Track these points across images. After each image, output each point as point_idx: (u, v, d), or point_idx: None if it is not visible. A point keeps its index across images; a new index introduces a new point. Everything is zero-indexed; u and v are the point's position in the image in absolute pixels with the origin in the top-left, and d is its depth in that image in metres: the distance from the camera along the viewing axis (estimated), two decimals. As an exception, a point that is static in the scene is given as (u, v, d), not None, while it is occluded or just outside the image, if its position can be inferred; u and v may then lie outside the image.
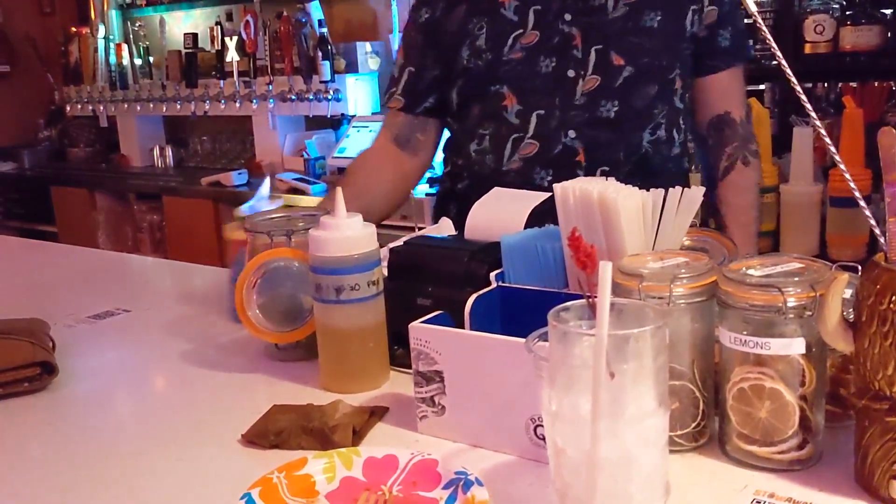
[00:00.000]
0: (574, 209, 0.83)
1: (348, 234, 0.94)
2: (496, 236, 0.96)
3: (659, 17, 1.35)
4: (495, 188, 1.14)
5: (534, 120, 1.37)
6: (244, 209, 1.33)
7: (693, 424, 0.75)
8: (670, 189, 0.83)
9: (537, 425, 0.76)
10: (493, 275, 0.92)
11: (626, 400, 0.53)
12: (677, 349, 0.73)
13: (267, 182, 1.49)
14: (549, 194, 1.10)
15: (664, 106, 1.38)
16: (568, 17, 1.35)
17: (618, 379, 0.53)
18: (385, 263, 1.01)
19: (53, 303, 1.37)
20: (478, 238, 1.02)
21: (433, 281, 0.96)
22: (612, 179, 0.86)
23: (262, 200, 1.38)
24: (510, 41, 1.37)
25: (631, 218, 0.81)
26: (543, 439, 0.75)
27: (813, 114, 0.75)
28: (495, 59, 1.37)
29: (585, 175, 1.36)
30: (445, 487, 0.71)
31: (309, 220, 1.05)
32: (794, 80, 0.74)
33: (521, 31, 1.37)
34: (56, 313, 1.27)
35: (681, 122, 1.41)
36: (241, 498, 0.69)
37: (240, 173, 3.50)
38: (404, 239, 1.05)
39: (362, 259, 0.93)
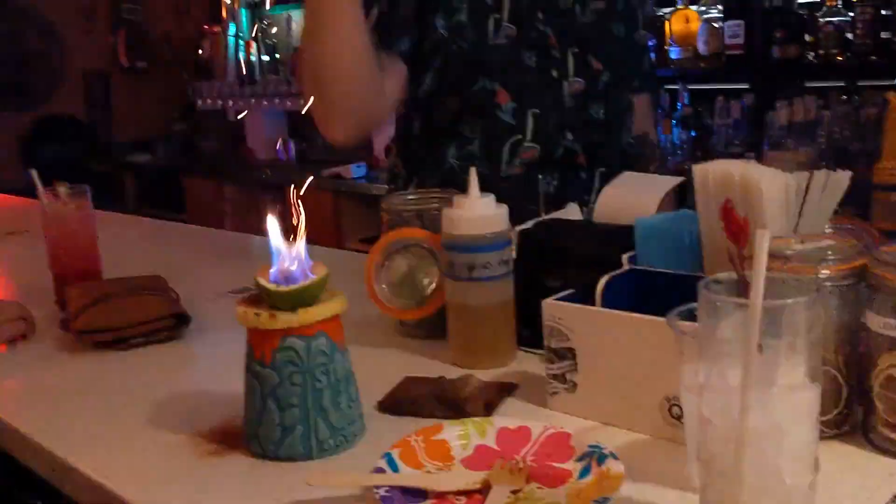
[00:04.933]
0: (714, 190, 0.82)
1: (481, 213, 0.96)
2: (627, 219, 0.96)
3: (623, 29, 1.40)
4: (626, 172, 1.13)
5: (530, 120, 1.31)
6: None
7: (836, 411, 0.73)
8: (815, 171, 0.82)
9: (672, 405, 0.76)
10: (625, 257, 0.92)
11: (777, 372, 0.53)
12: (822, 335, 0.71)
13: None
14: (682, 178, 1.10)
15: (632, 115, 1.44)
16: (540, 15, 1.33)
17: (770, 351, 0.52)
18: (515, 245, 1.02)
19: (194, 279, 1.45)
20: (608, 221, 1.03)
21: (563, 262, 0.97)
22: (752, 161, 0.85)
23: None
24: (491, 24, 1.29)
25: (773, 199, 0.79)
26: (678, 419, 0.75)
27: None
28: (480, 42, 1.29)
29: (587, 177, 1.37)
30: (579, 460, 0.72)
31: (442, 201, 1.07)
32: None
33: (498, 14, 1.30)
34: (198, 289, 1.34)
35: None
36: (383, 456, 0.72)
37: (359, 166, 3.59)
38: (534, 221, 1.06)
39: (494, 238, 0.95)
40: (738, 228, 0.55)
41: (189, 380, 1.03)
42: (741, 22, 2.68)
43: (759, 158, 2.45)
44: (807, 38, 2.57)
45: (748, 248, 0.54)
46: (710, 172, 0.83)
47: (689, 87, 2.94)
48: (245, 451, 0.80)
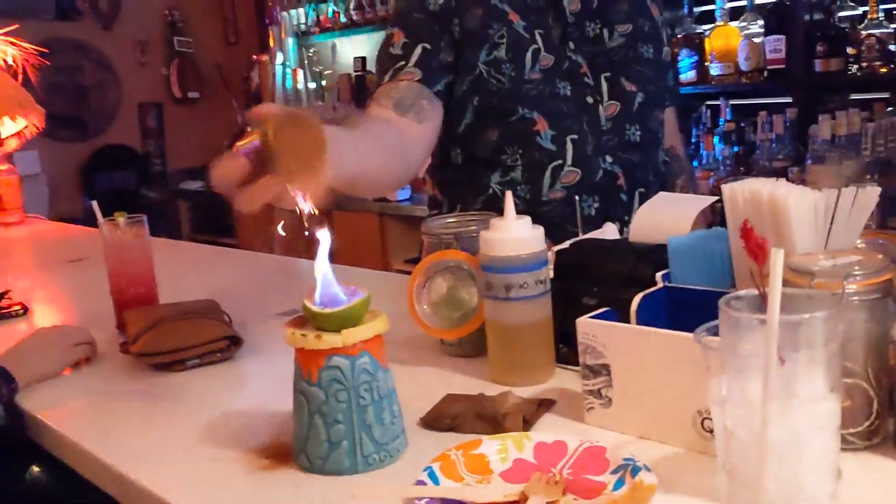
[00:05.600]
0: (743, 209, 0.85)
1: (518, 234, 0.99)
2: (662, 238, 0.99)
3: (651, 49, 1.44)
4: (661, 193, 1.16)
5: (569, 146, 1.36)
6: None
7: (867, 423, 0.75)
8: (843, 189, 0.83)
9: (705, 418, 0.78)
10: (659, 275, 0.95)
11: (797, 384, 0.55)
12: (850, 347, 0.73)
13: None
14: (716, 198, 1.12)
15: (663, 131, 1.48)
16: (571, 45, 1.37)
17: (789, 364, 0.54)
18: (551, 265, 1.05)
19: (245, 303, 1.51)
20: (643, 240, 1.05)
21: (599, 281, 1.00)
22: (781, 180, 0.87)
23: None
24: (529, 58, 1.34)
25: (802, 217, 0.81)
26: (711, 432, 0.77)
27: None
28: (518, 76, 1.34)
29: (627, 198, 1.39)
30: (614, 472, 0.75)
31: (479, 224, 1.11)
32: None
33: (536, 46, 1.35)
34: (249, 312, 1.40)
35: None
36: (424, 470, 0.75)
37: (403, 188, 3.65)
38: (570, 241, 1.09)
39: (531, 259, 0.98)
40: (757, 247, 0.57)
41: (241, 398, 1.08)
42: (782, 37, 2.68)
43: (803, 173, 2.44)
44: (849, 50, 2.56)
45: (767, 265, 0.56)
46: (739, 191, 0.85)
47: (731, 102, 2.94)
48: (294, 466, 0.84)
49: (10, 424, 1.07)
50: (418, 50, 1.34)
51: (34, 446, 1.09)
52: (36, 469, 1.37)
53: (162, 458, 0.91)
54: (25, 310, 1.55)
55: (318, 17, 4.28)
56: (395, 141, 1.26)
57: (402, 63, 1.34)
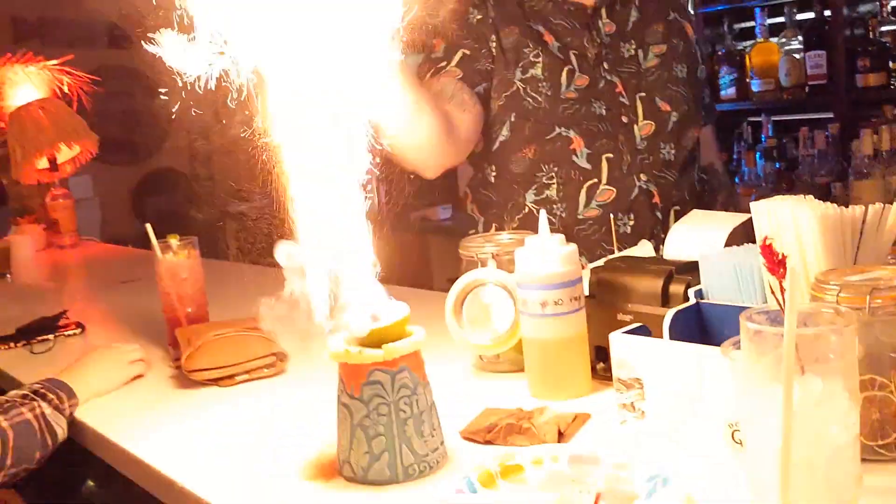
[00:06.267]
0: (770, 226, 0.87)
1: (552, 252, 1.02)
2: (696, 255, 1.01)
3: (686, 69, 1.46)
4: (695, 210, 1.18)
5: (605, 164, 1.38)
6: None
7: (895, 435, 0.76)
8: (871, 205, 0.85)
9: (735, 430, 0.80)
10: (691, 291, 0.97)
11: (817, 394, 0.57)
12: (879, 361, 0.74)
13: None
14: (749, 215, 1.13)
15: (699, 149, 1.50)
16: (606, 65, 1.40)
17: (808, 374, 0.57)
18: (587, 282, 1.08)
19: (290, 319, 1.55)
20: (677, 257, 1.07)
21: (633, 298, 1.02)
22: (809, 196, 0.89)
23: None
24: (564, 78, 1.37)
25: (829, 234, 0.83)
26: (741, 444, 0.79)
27: None
28: (555, 95, 1.37)
29: (662, 217, 1.41)
30: (646, 482, 0.77)
31: (515, 242, 1.14)
32: None
33: (570, 66, 1.38)
34: (293, 328, 1.44)
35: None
36: (463, 479, 0.78)
37: (444, 208, 3.69)
38: (605, 259, 1.12)
39: (565, 276, 1.01)
40: (776, 263, 0.59)
41: (288, 411, 1.11)
42: (822, 52, 2.67)
43: (846, 188, 2.42)
44: (890, 65, 2.54)
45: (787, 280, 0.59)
46: (767, 208, 0.87)
47: (773, 118, 2.93)
48: (338, 476, 0.88)
49: (70, 437, 1.13)
50: (459, 54, 1.40)
51: (90, 461, 1.14)
52: (91, 483, 1.43)
53: (213, 468, 0.95)
54: (82, 329, 1.62)
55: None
56: (438, 110, 1.28)
57: (444, 63, 1.40)
